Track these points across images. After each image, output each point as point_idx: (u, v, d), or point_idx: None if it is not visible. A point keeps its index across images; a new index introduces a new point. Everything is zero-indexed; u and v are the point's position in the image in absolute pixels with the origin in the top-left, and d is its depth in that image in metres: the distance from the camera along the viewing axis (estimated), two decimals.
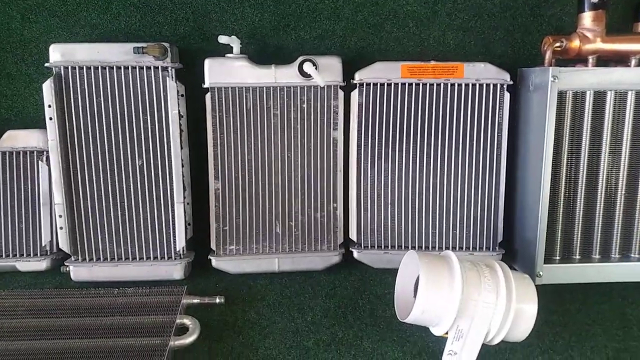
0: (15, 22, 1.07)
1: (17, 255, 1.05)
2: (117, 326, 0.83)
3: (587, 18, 0.96)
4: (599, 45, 0.96)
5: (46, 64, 0.97)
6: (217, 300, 0.92)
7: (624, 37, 0.97)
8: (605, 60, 0.98)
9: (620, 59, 0.98)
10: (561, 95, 0.94)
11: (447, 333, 0.75)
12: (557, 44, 0.96)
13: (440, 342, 0.77)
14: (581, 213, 1.00)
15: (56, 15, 1.07)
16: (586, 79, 0.94)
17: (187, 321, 0.84)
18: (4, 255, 1.05)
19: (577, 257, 1.01)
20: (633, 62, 0.96)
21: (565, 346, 0.81)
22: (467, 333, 0.74)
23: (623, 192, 0.99)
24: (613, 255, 1.02)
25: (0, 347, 0.77)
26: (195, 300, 0.92)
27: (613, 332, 0.85)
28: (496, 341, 0.76)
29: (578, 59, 0.99)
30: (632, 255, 1.02)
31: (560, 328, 0.86)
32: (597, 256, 1.01)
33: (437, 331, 0.78)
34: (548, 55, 0.97)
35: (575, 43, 0.96)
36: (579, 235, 1.01)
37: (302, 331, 0.86)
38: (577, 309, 0.92)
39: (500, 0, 1.09)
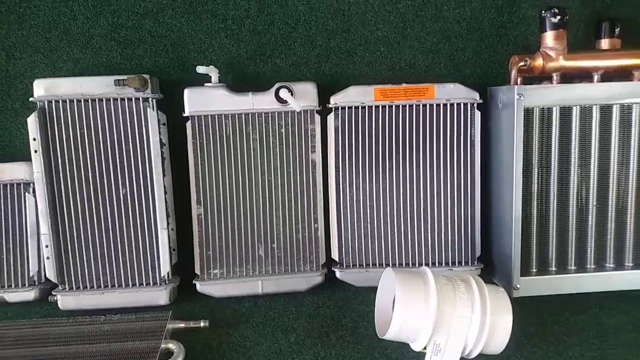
0: (1, 59, 1.10)
1: (5, 286, 1.06)
2: (103, 353, 0.84)
3: (549, 37, 0.99)
4: (562, 62, 0.99)
5: (30, 99, 1.00)
6: (202, 324, 0.92)
7: (585, 54, 1.00)
8: (570, 77, 1.02)
9: (584, 75, 1.01)
10: (528, 112, 0.98)
11: (425, 348, 0.76)
12: (522, 63, 1.00)
13: (420, 358, 0.78)
14: (555, 225, 1.02)
15: (40, 51, 1.10)
16: (551, 95, 0.97)
17: (171, 346, 0.85)
18: None
19: (553, 269, 1.03)
20: (595, 77, 1.00)
21: (543, 357, 0.82)
22: (445, 347, 0.75)
23: (594, 204, 1.02)
24: (588, 266, 1.03)
25: None
26: (180, 325, 0.92)
27: (590, 341, 0.86)
28: (474, 354, 0.78)
29: (544, 77, 1.02)
30: (607, 265, 1.04)
31: (538, 339, 0.87)
32: (573, 267, 1.03)
33: (416, 346, 0.79)
34: (513, 74, 1.00)
35: (539, 62, 1.00)
36: (554, 247, 1.03)
37: (285, 352, 0.87)
38: (555, 320, 0.93)
39: (467, 22, 1.13)
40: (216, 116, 1.03)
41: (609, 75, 1.01)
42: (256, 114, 1.04)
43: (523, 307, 0.95)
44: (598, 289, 1.02)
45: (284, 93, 1.02)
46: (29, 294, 1.06)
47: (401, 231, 1.08)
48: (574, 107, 0.98)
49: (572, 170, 1.00)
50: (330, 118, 1.06)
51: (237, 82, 1.11)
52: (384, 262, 1.09)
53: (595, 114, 0.99)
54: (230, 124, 1.04)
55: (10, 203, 1.07)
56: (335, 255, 1.09)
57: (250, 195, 1.06)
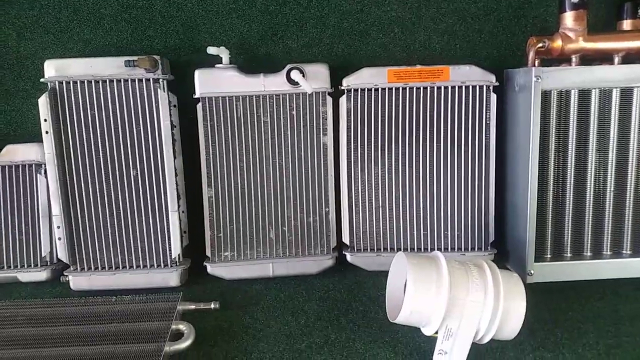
0: (12, 40, 1.10)
1: (18, 267, 1.08)
2: (114, 333, 0.84)
3: (568, 18, 0.97)
4: (581, 44, 0.97)
5: (41, 80, 1.00)
6: (212, 306, 0.93)
7: (605, 36, 0.98)
8: (589, 59, 0.99)
9: (603, 57, 0.99)
10: (546, 95, 0.95)
11: (437, 332, 0.76)
12: (540, 45, 0.97)
13: (431, 342, 0.77)
14: (571, 211, 1.00)
15: (50, 32, 1.10)
16: (570, 77, 0.95)
17: (182, 327, 0.85)
18: (5, 267, 1.07)
19: (569, 255, 1.02)
20: (616, 60, 0.97)
21: (557, 343, 0.82)
22: (457, 332, 0.74)
23: (612, 189, 0.99)
24: (604, 252, 1.02)
25: (0, 355, 0.79)
26: (191, 307, 0.93)
27: (605, 328, 0.85)
28: (486, 339, 0.77)
29: (562, 59, 1.00)
30: (624, 251, 1.02)
31: (552, 325, 0.86)
32: (589, 253, 1.02)
33: (427, 331, 0.78)
34: (531, 55, 0.98)
35: (558, 43, 0.97)
36: (570, 233, 1.01)
37: (296, 334, 0.87)
38: (569, 307, 0.92)
39: (484, 3, 1.11)
40: (227, 98, 1.02)
41: (631, 58, 0.98)
42: (267, 96, 1.03)
43: (537, 293, 0.94)
44: (614, 276, 1.00)
45: (295, 74, 1.01)
46: (41, 274, 1.07)
47: (413, 215, 1.07)
48: (593, 90, 0.96)
49: (589, 154, 0.98)
50: (343, 100, 1.05)
51: (248, 64, 1.10)
52: (395, 246, 1.08)
53: (615, 97, 0.96)
54: (241, 105, 1.03)
55: (22, 184, 1.08)
56: (346, 239, 1.09)
57: (261, 178, 1.05)
